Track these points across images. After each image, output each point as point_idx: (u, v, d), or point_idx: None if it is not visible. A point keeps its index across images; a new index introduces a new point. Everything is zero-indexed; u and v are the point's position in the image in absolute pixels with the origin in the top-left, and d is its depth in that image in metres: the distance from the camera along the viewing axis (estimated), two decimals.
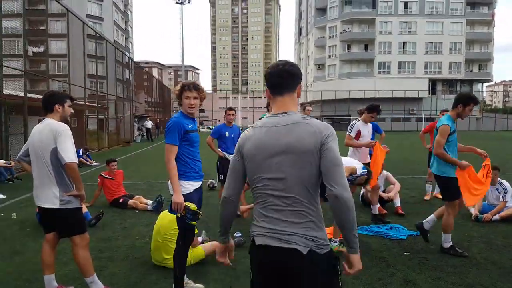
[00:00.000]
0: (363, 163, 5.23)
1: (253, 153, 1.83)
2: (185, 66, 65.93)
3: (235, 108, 6.77)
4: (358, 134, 5.66)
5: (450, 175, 4.30)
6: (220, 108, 60.34)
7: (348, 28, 60.03)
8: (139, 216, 6.28)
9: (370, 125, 5.88)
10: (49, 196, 3.17)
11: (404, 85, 55.04)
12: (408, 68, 59.49)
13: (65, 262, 4.18)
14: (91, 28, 21.13)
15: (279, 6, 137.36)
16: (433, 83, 59.66)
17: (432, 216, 4.71)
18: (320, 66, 64.70)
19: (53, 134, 3.13)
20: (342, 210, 1.67)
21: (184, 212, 3.22)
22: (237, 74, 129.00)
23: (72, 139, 3.22)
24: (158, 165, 13.04)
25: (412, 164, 12.91)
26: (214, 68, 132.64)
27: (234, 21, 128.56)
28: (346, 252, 1.76)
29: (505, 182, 5.97)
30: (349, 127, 5.72)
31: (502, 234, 5.16)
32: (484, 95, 73.34)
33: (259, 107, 57.56)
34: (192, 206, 3.25)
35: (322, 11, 63.78)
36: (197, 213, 3.26)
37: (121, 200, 6.77)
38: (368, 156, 5.82)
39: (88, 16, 50.83)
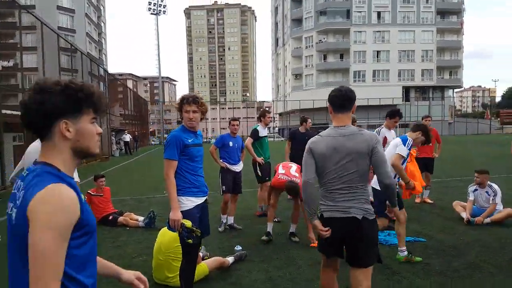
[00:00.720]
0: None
1: (324, 153, 2.65)
2: (162, 77, 65.45)
3: (238, 118, 6.65)
4: (384, 140, 5.60)
5: None
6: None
7: (324, 38, 61.24)
8: (131, 234, 6.08)
9: (393, 131, 5.86)
10: None
11: (379, 93, 56.33)
12: (383, 76, 61.09)
13: None
14: (65, 40, 20.67)
15: (255, 16, 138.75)
16: (406, 90, 61.40)
17: None
18: (297, 76, 65.54)
19: None
20: (388, 190, 2.70)
21: (180, 229, 3.12)
22: (215, 84, 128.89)
23: None
24: (143, 179, 12.78)
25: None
26: (191, 79, 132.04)
27: (210, 32, 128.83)
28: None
29: (494, 185, 6.11)
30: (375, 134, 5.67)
31: (495, 236, 5.28)
32: (455, 100, 76.07)
33: (238, 118, 57.58)
34: (188, 223, 3.13)
35: (297, 21, 64.87)
36: (193, 230, 3.13)
37: (110, 218, 6.55)
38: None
39: (60, 28, 49.64)
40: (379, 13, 60.33)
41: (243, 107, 69.40)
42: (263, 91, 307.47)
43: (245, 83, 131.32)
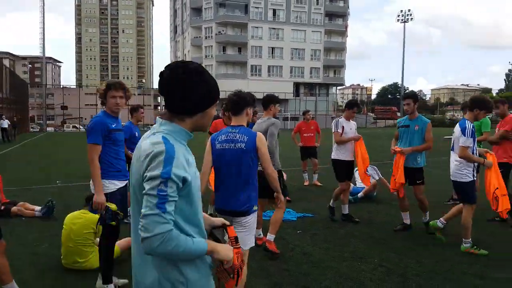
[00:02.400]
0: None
1: (255, 127, 4.56)
2: (45, 57, 58.76)
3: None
4: (342, 130, 5.66)
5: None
6: (86, 105, 54.30)
7: (223, 30, 61.85)
8: (29, 224, 5.79)
9: (352, 122, 5.78)
10: None
11: (273, 88, 59.05)
12: (277, 72, 64.40)
13: None
14: None
15: (152, 1, 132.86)
16: (297, 86, 65.87)
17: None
18: None
19: None
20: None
21: (104, 212, 3.26)
22: (107, 68, 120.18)
23: None
24: (28, 169, 11.75)
25: (285, 158, 14.35)
26: (79, 61, 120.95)
27: (103, 12, 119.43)
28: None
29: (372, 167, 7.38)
30: (333, 125, 5.75)
31: (366, 210, 6.44)
32: (338, 97, 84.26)
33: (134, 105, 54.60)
34: (113, 206, 3.27)
35: (197, 10, 64.18)
36: (117, 213, 3.29)
37: (2, 208, 6.09)
38: (353, 153, 5.72)
39: None
40: (274, 11, 63.20)
41: (138, 94, 65.84)
42: None
43: (141, 69, 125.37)
